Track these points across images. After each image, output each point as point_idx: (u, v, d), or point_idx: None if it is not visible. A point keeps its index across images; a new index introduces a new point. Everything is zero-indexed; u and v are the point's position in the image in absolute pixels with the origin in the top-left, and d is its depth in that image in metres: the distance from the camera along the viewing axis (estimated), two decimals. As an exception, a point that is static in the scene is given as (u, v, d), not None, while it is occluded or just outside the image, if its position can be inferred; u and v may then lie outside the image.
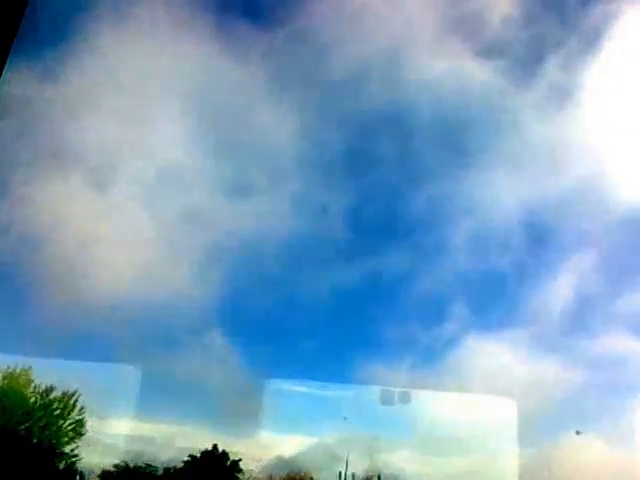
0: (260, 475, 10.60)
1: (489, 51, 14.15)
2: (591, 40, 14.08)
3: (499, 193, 13.48)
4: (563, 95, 13.88)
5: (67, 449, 11.21)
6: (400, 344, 12.67)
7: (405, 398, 8.63)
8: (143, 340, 12.17)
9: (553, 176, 13.83)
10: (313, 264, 13.53)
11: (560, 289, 13.07)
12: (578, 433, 8.83)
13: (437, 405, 8.86)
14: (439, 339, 12.67)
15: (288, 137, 13.41)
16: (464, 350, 12.10)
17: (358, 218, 13.54)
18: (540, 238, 13.89)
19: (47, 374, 10.41)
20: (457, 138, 13.63)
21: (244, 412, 10.46)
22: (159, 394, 9.90)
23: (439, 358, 12.25)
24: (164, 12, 13.28)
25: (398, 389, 8.67)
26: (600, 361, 11.87)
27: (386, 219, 13.93)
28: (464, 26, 14.07)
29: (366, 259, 13.69)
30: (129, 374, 9.51)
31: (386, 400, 8.65)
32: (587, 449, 9.46)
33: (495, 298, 13.32)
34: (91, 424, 10.15)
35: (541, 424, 8.95)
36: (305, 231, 13.42)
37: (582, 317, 13.05)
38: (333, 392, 9.22)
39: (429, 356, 12.43)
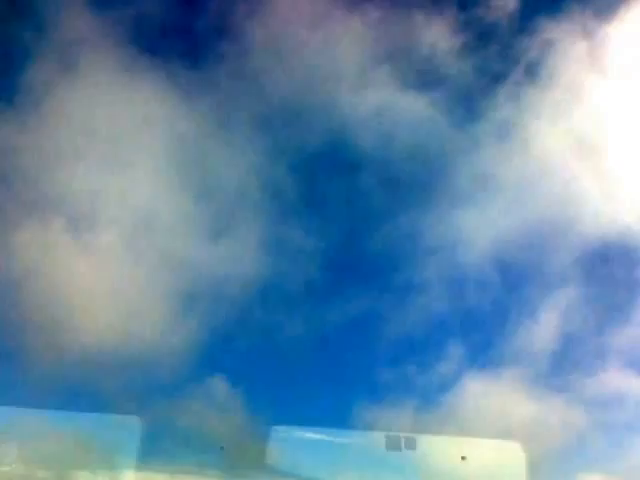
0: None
1: (433, 84, 14.17)
2: (533, 70, 14.12)
3: (463, 230, 13.29)
4: (510, 127, 13.77)
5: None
6: (396, 387, 12.52)
7: (410, 443, 8.43)
8: (135, 389, 11.82)
9: (517, 211, 13.71)
10: (289, 307, 13.31)
11: (545, 327, 12.97)
12: None
13: (442, 449, 8.68)
14: (434, 381, 12.49)
15: (243, 179, 13.56)
16: (461, 391, 11.96)
17: (325, 259, 13.28)
18: (516, 275, 13.66)
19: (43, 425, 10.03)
20: (406, 174, 13.59)
21: (246, 459, 10.20)
22: (160, 443, 9.56)
23: (437, 400, 12.09)
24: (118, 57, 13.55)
25: (403, 434, 8.50)
26: (600, 399, 11.80)
27: (355, 259, 13.80)
28: (407, 59, 14.09)
29: (343, 301, 13.46)
30: (127, 424, 9.22)
31: (391, 445, 8.45)
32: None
33: (482, 338, 13.11)
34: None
35: (549, 466, 8.78)
36: (275, 273, 13.21)
37: (574, 355, 12.95)
38: (336, 438, 9.04)
39: (426, 398, 12.28)
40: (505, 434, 10.27)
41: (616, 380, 12.00)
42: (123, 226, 13.21)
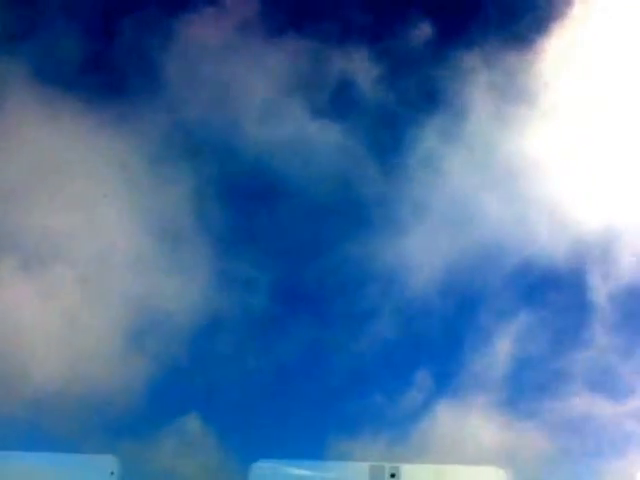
0: None
1: (351, 114, 14.54)
2: (450, 100, 14.50)
3: (405, 258, 13.45)
4: (432, 156, 14.14)
5: None
6: (363, 417, 12.36)
7: (394, 472, 8.21)
8: (93, 428, 11.30)
9: (456, 238, 13.94)
10: (243, 339, 13.18)
11: (502, 353, 13.05)
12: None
13: (423, 477, 8.50)
14: (400, 410, 12.41)
15: (178, 214, 13.68)
16: (434, 419, 11.87)
17: (271, 290, 13.52)
18: (464, 301, 13.89)
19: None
20: (334, 204, 13.79)
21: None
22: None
23: (405, 429, 11.96)
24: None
25: (386, 464, 8.27)
26: (569, 423, 11.90)
27: (300, 289, 13.93)
28: (323, 89, 14.51)
29: (296, 331, 13.42)
30: (102, 464, 8.71)
31: (375, 475, 8.21)
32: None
33: (441, 366, 13.13)
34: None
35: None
36: (224, 306, 13.15)
37: (535, 380, 13.01)
38: (315, 471, 8.73)
39: (394, 428, 12.16)
40: (479, 460, 10.24)
41: (580, 404, 12.18)
42: (73, 264, 13.00)
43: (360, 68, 14.50)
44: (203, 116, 14.25)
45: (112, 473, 8.92)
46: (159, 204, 13.78)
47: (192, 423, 11.93)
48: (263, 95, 14.41)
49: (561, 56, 14.37)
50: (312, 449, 11.18)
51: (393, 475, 8.69)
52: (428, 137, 14.15)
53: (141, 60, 14.37)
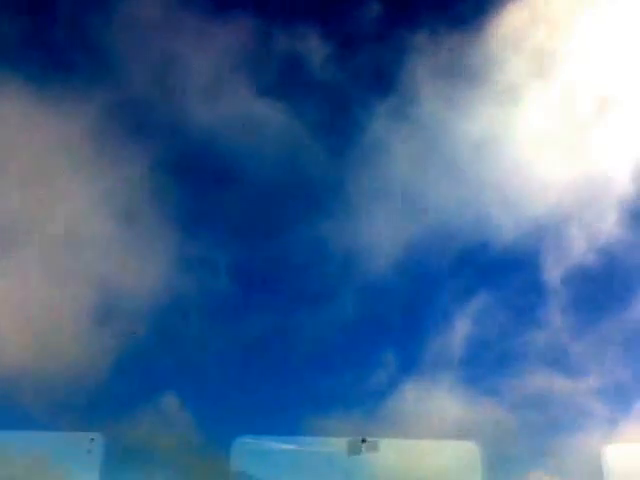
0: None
1: (300, 93, 14.48)
2: (400, 81, 14.44)
3: (363, 239, 13.85)
4: (383, 138, 14.25)
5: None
6: (334, 395, 12.61)
7: (372, 447, 8.51)
8: (66, 407, 11.27)
9: (413, 220, 14.07)
10: (208, 320, 13.28)
11: (461, 332, 13.40)
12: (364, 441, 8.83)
13: (392, 453, 8.81)
14: (370, 388, 12.67)
15: (141, 197, 13.60)
16: (399, 397, 12.20)
17: (232, 271, 13.65)
18: (423, 282, 14.06)
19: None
20: (287, 185, 14.07)
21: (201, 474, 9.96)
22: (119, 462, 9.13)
23: (377, 406, 12.27)
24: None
25: (364, 438, 8.56)
26: (533, 399, 12.37)
27: (261, 270, 14.11)
28: (271, 68, 14.48)
29: (259, 311, 13.57)
30: (83, 441, 8.76)
31: (352, 450, 8.50)
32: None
33: (405, 345, 13.41)
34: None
35: (497, 467, 9.08)
36: (188, 287, 13.36)
37: (496, 358, 13.35)
38: (290, 445, 8.97)
39: (367, 405, 12.45)
40: (447, 435, 10.64)
41: (544, 380, 12.66)
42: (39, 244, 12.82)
43: (308, 47, 14.29)
44: (148, 94, 13.94)
45: (89, 451, 9.07)
46: (113, 184, 13.52)
47: (167, 401, 12.02)
48: (209, 73, 14.16)
49: (514, 36, 14.35)
50: (285, 425, 11.44)
51: (364, 440, 9.05)
52: (378, 118, 14.14)
53: (83, 36, 13.97)
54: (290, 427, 11.10)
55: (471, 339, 13.47)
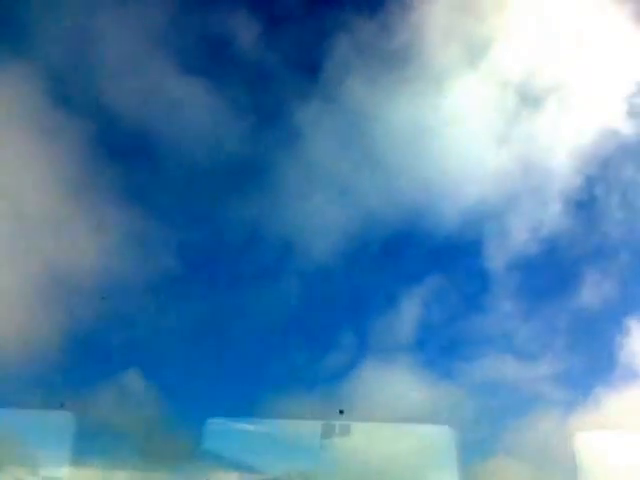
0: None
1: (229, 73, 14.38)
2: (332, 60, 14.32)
3: (308, 221, 13.89)
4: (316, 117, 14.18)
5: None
6: (294, 375, 12.48)
7: (344, 430, 8.43)
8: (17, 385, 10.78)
9: (357, 203, 14.15)
10: (157, 297, 13.01)
11: (409, 316, 13.44)
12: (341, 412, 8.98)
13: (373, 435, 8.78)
14: (329, 368, 12.61)
15: (76, 174, 13.19)
16: (360, 378, 12.17)
17: (181, 250, 13.44)
18: (368, 266, 14.14)
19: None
20: (223, 164, 13.90)
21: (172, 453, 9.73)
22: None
23: (336, 388, 12.20)
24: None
25: (336, 422, 8.48)
26: (488, 383, 12.55)
27: (208, 249, 14.01)
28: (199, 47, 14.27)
29: (211, 290, 13.32)
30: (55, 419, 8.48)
31: (326, 433, 8.39)
32: (503, 470, 9.92)
33: (357, 325, 13.43)
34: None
35: (458, 449, 9.17)
36: (137, 265, 13.07)
37: (451, 342, 13.59)
38: (269, 429, 8.83)
39: (320, 386, 12.38)
40: (407, 418, 10.67)
41: (498, 365, 12.88)
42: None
43: (233, 26, 14.09)
44: (73, 70, 13.53)
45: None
46: (49, 160, 12.99)
47: (130, 377, 11.69)
48: (133, 50, 13.76)
49: (445, 23, 14.39)
50: (247, 407, 11.26)
51: (342, 412, 8.97)
52: (304, 99, 14.05)
53: (4, 10, 13.22)
54: (249, 408, 11.01)
55: (415, 323, 13.59)
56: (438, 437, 8.65)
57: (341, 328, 13.41)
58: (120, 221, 13.21)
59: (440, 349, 13.56)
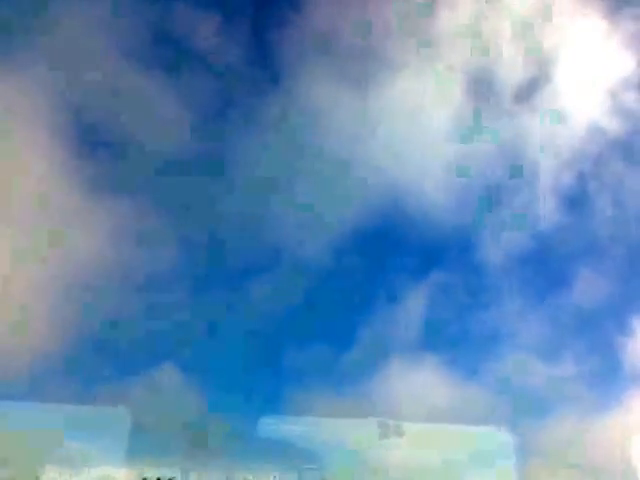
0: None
1: None
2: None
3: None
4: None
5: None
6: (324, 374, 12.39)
7: (399, 431, 8.41)
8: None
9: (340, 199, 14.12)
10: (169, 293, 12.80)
11: (414, 311, 13.51)
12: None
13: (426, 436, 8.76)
14: (359, 365, 12.55)
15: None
16: (390, 375, 12.14)
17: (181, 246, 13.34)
18: (374, 262, 14.26)
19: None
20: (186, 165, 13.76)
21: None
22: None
23: (362, 385, 12.13)
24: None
25: (393, 421, 8.45)
26: (512, 383, 12.54)
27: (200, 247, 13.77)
28: None
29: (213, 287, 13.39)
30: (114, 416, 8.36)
31: (383, 433, 8.38)
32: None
33: (368, 325, 13.42)
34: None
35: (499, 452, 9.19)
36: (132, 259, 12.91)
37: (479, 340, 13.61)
38: (323, 427, 8.77)
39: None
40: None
41: (522, 365, 12.92)
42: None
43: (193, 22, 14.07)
44: (42, 69, 13.17)
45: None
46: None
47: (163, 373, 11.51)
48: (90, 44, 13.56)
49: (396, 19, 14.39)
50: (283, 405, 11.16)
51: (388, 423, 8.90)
52: (275, 100, 14.14)
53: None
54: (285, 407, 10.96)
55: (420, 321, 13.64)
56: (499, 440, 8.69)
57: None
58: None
59: (462, 349, 13.56)
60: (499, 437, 8.65)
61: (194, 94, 13.92)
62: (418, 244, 14.27)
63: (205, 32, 14.05)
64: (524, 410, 12.11)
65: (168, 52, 14.10)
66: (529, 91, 14.62)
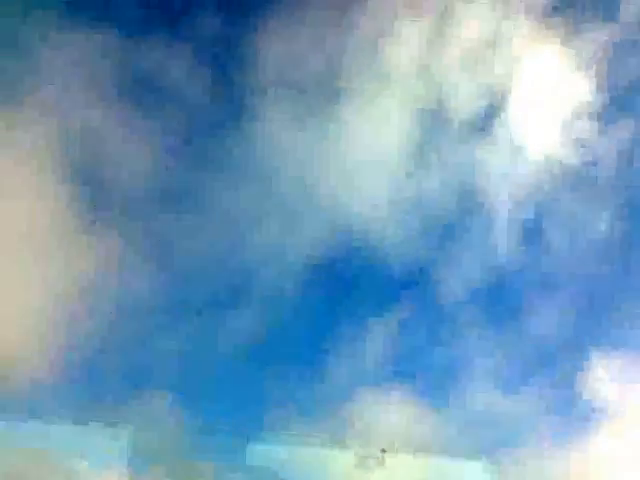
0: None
1: None
2: None
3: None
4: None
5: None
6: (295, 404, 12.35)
7: (380, 461, 8.51)
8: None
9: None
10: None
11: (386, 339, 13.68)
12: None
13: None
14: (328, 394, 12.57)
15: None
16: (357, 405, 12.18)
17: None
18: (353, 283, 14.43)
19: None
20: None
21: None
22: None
23: (334, 414, 12.14)
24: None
25: (374, 451, 8.55)
26: (478, 414, 12.76)
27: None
28: None
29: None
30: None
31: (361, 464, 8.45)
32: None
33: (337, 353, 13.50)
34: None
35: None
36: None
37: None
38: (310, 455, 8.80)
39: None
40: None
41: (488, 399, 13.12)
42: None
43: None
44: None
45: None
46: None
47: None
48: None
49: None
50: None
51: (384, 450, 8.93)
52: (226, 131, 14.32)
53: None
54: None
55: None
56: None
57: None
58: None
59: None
60: (470, 466, 8.80)
61: (162, 131, 13.98)
62: (377, 278, 14.39)
63: (172, 71, 14.20)
64: (493, 441, 12.47)
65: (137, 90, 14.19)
66: (483, 122, 14.80)
